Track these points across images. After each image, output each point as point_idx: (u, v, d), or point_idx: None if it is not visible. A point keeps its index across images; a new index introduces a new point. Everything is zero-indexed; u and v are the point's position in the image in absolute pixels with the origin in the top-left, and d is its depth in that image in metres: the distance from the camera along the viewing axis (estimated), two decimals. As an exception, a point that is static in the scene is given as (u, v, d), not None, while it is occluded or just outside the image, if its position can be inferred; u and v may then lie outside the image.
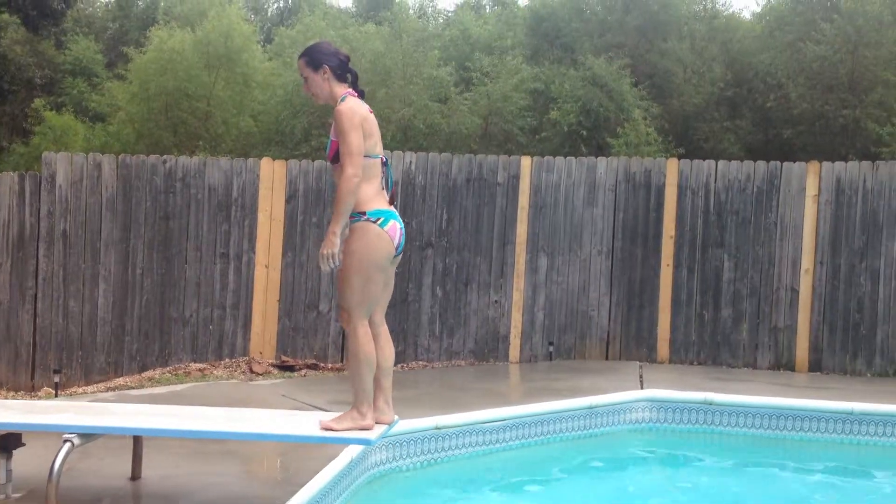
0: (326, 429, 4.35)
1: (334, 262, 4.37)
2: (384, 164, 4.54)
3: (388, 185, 4.57)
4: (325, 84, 4.49)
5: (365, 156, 4.37)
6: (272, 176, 9.16)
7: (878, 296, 9.04)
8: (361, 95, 4.57)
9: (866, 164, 9.32)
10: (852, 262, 9.10)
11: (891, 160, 9.90)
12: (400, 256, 4.57)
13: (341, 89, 4.49)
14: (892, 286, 9.01)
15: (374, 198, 4.43)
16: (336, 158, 4.40)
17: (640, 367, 8.86)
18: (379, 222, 4.38)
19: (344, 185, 4.30)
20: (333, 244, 4.33)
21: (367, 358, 4.37)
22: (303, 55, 4.55)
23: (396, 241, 4.44)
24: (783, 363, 9.12)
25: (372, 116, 4.50)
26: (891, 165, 9.22)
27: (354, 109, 4.36)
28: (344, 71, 4.51)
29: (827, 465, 6.60)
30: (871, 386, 8.28)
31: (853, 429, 6.85)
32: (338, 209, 4.32)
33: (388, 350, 4.55)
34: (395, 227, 4.43)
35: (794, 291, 9.15)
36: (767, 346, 9.19)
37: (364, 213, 4.37)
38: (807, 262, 9.15)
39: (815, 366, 9.08)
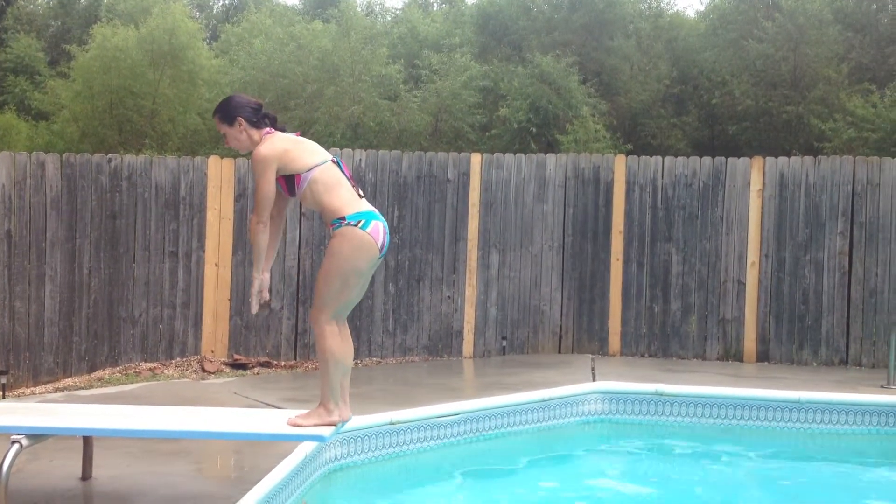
0: (294, 425, 4.41)
1: (258, 303, 4.56)
2: (336, 164, 4.52)
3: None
4: (243, 135, 4.53)
5: (311, 167, 4.40)
6: (220, 174, 9.07)
7: (823, 287, 9.24)
8: (284, 130, 4.62)
9: (808, 159, 9.52)
10: (797, 254, 9.29)
11: (832, 155, 10.13)
12: (382, 259, 4.56)
13: (260, 134, 4.52)
14: (835, 278, 9.22)
15: (348, 201, 4.43)
16: (292, 191, 4.47)
17: (592, 359, 8.95)
18: (360, 224, 4.37)
19: (250, 230, 4.46)
20: (254, 286, 4.53)
21: (334, 357, 4.43)
22: (216, 112, 4.60)
23: (380, 242, 4.42)
24: (731, 354, 9.29)
25: (297, 140, 4.52)
26: (832, 160, 9.43)
27: (269, 153, 4.39)
28: (259, 118, 4.53)
29: (775, 452, 6.74)
30: (817, 375, 8.47)
31: (800, 417, 7.01)
32: (253, 253, 4.52)
33: (348, 347, 4.55)
34: (378, 228, 4.42)
35: (741, 284, 9.32)
36: (716, 338, 9.35)
37: (344, 219, 4.38)
38: (752, 255, 9.32)
39: (763, 356, 9.25)
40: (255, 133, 4.51)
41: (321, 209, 4.46)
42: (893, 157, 9.60)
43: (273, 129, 4.55)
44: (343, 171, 4.51)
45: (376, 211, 4.49)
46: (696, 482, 6.03)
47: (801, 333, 9.24)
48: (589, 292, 9.48)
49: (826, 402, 7.03)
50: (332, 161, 4.50)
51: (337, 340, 4.43)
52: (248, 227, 4.48)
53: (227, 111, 4.54)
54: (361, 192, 4.55)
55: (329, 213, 4.41)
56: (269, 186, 4.38)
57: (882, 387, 7.69)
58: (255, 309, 4.58)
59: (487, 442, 6.54)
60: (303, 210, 9.07)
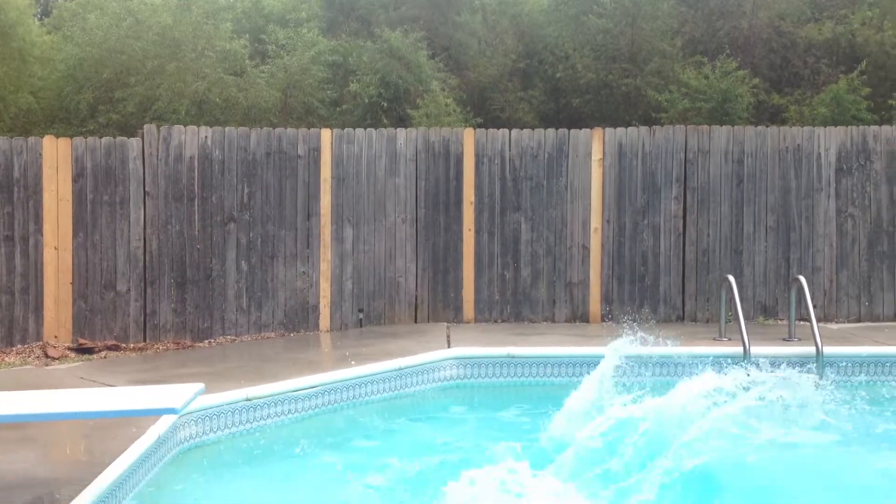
0: None
1: None
2: None
3: None
4: None
5: None
6: (56, 154, 8.72)
7: (660, 249, 9.74)
8: None
9: (644, 129, 9.98)
10: (636, 219, 9.75)
11: (668, 125, 10.64)
12: None
13: None
14: (671, 240, 9.73)
15: None
16: None
17: (448, 327, 9.14)
18: None
19: None
20: None
21: None
22: None
23: None
24: (579, 315, 9.68)
25: None
26: (666, 130, 9.92)
27: None
28: None
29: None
30: (657, 331, 8.89)
31: (643, 371, 7.38)
32: None
33: None
34: None
35: (586, 249, 9.70)
36: (564, 301, 9.71)
37: None
38: (595, 221, 9.72)
39: (608, 316, 9.69)
40: None
41: None
42: (722, 126, 10.18)
43: None
44: None
45: None
46: (545, 436, 6.28)
47: (642, 293, 9.73)
48: (443, 263, 9.65)
49: (662, 355, 7.45)
50: None
51: None
52: None
53: None
54: None
55: None
56: None
57: (714, 339, 8.21)
58: None
59: (346, 412, 6.61)
60: (147, 189, 8.82)
